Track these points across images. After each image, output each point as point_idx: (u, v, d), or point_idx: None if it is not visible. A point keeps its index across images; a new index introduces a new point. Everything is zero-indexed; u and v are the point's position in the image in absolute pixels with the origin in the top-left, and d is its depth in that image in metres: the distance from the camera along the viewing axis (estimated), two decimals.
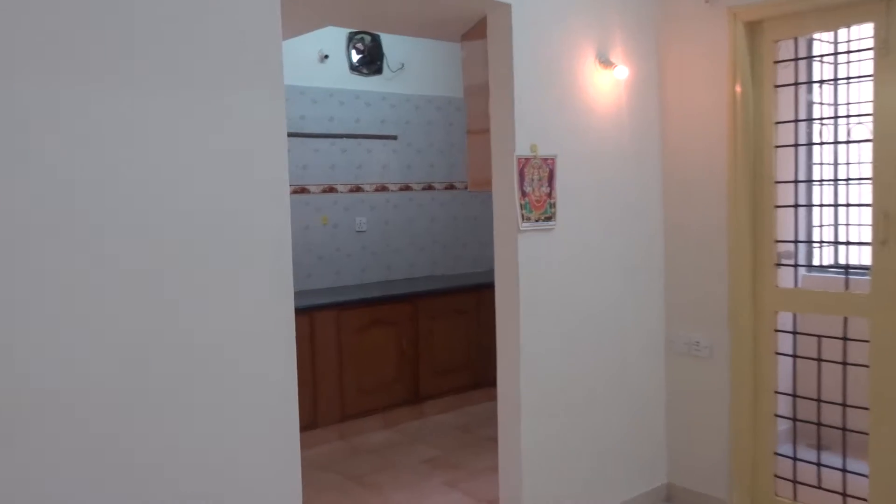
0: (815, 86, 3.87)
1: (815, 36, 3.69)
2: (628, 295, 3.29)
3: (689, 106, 3.27)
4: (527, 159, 2.85)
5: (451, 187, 5.63)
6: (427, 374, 4.80)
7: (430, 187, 5.50)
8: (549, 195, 2.92)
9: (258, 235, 2.11)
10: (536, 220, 2.88)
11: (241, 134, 2.07)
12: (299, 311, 3.69)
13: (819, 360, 3.06)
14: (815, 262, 4.11)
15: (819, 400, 3.09)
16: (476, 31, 3.30)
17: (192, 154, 1.98)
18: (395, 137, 5.28)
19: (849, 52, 3.71)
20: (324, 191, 4.94)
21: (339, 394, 4.37)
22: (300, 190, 4.82)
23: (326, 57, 4.91)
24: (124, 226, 1.87)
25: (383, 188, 5.25)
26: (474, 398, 5.08)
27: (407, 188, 5.38)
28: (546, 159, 2.91)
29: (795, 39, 3.13)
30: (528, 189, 2.84)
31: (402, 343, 4.65)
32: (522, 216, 2.83)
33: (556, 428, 3.02)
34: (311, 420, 4.24)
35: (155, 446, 1.92)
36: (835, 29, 3.40)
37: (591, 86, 3.08)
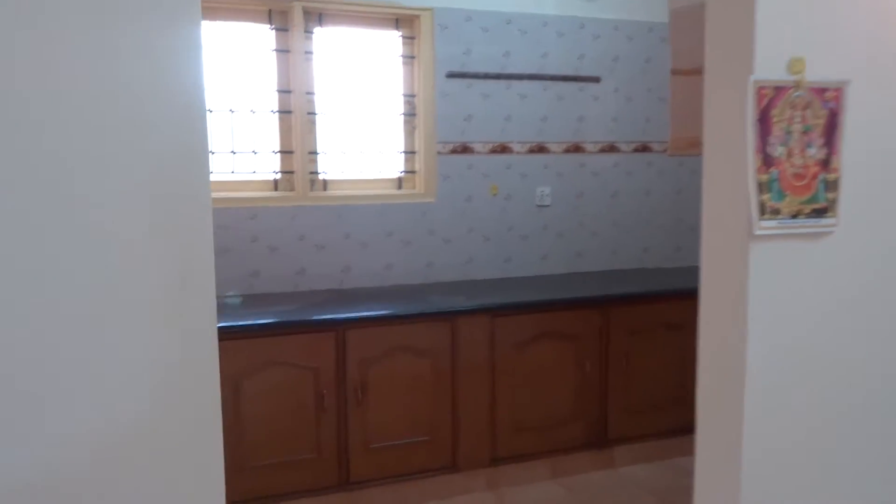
0: None
1: None
2: None
3: None
4: (779, 90, 1.40)
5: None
6: (618, 408, 3.45)
7: (644, 148, 4.04)
8: (826, 164, 1.45)
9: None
10: (793, 216, 1.44)
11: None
12: (439, 316, 2.78)
13: None
14: None
15: None
16: None
17: None
18: (596, 80, 3.88)
19: None
20: (494, 150, 3.72)
21: (489, 428, 3.19)
22: (461, 149, 3.65)
23: None
24: None
25: (577, 148, 3.90)
26: (685, 447, 3.61)
27: (611, 149, 3.97)
28: (823, 90, 1.44)
29: None
30: (776, 151, 1.40)
31: (584, 365, 3.34)
32: (763, 206, 1.40)
33: None
34: (449, 461, 3.13)
35: None
36: None
37: None
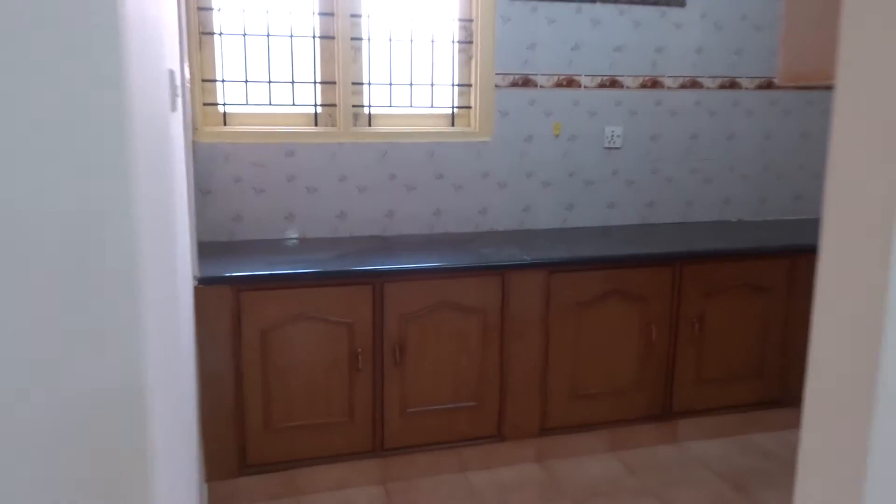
0: None
1: None
2: None
3: None
4: None
5: (767, 86, 3.61)
6: (687, 378, 3.09)
7: (732, 84, 3.55)
8: None
9: None
10: None
11: None
12: (489, 270, 2.60)
13: None
14: None
15: None
16: None
17: None
18: (681, 3, 3.40)
19: None
20: (559, 84, 3.31)
21: (540, 395, 2.89)
22: (522, 82, 3.25)
23: None
24: None
25: (654, 83, 3.44)
26: (766, 422, 3.25)
27: (693, 84, 3.50)
28: None
29: None
30: None
31: (650, 329, 2.98)
32: None
33: None
34: (494, 429, 2.85)
35: None
36: None
37: None
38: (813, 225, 3.62)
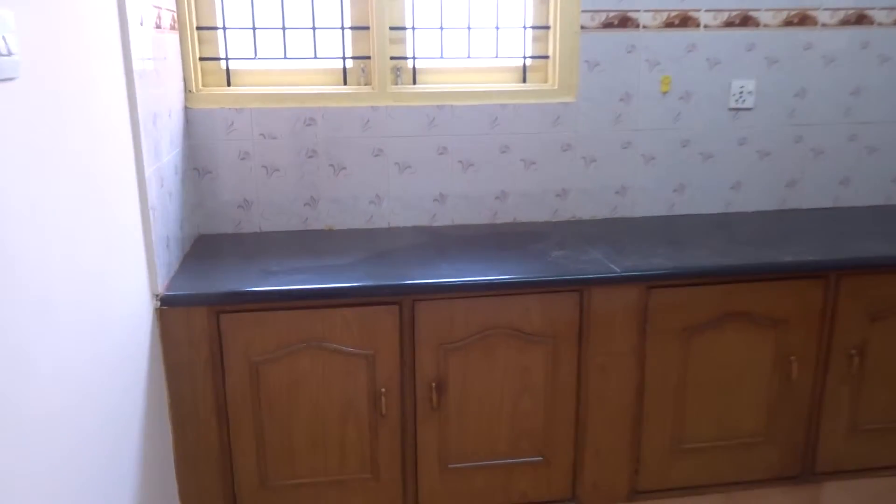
0: None
1: None
2: None
3: None
4: None
5: None
6: (839, 428, 2.26)
7: None
8: None
9: None
10: None
11: None
12: (562, 284, 1.99)
13: None
14: None
15: None
16: None
17: None
18: None
19: None
20: (669, 23, 2.46)
21: (631, 448, 2.16)
22: (618, 21, 2.43)
23: None
24: None
25: (802, 18, 2.52)
26: None
27: (859, 19, 2.55)
28: None
29: None
30: None
31: (788, 363, 2.16)
32: None
33: None
34: (567, 491, 2.15)
35: None
36: None
37: None
38: None
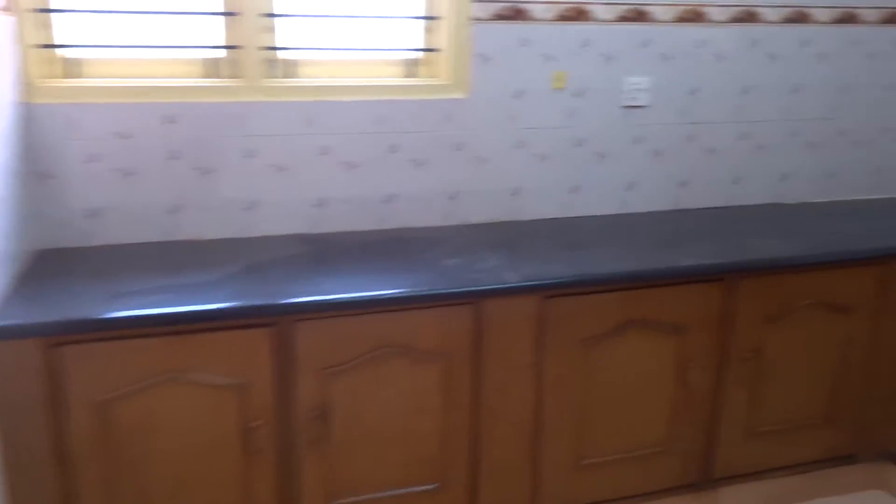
0: None
1: None
2: None
3: None
4: None
5: (847, 19, 2.64)
6: (736, 432, 2.23)
7: (802, 17, 2.58)
8: None
9: None
10: None
11: None
12: (455, 297, 1.79)
13: None
14: None
15: None
16: None
17: None
18: None
19: None
20: (562, 16, 2.34)
21: (531, 465, 2.03)
22: (511, 13, 2.29)
23: None
24: None
25: (695, 15, 2.47)
26: (835, 484, 2.40)
27: (749, 17, 2.53)
28: None
29: None
30: None
31: (687, 370, 2.10)
32: None
33: None
34: None
35: None
36: None
37: None
38: (891, 206, 2.71)
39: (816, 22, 2.59)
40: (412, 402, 1.88)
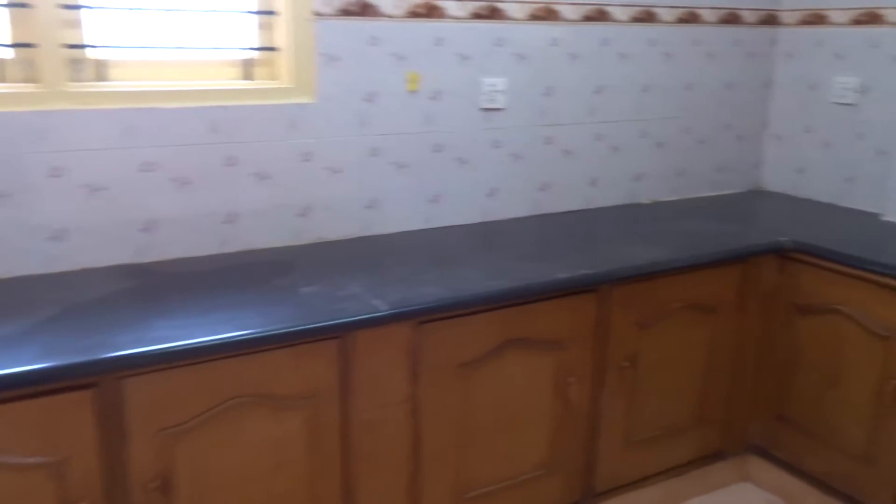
0: None
1: None
2: None
3: None
4: None
5: (689, 19, 2.67)
6: (614, 443, 2.16)
7: (649, 17, 2.57)
8: None
9: None
10: None
11: None
12: (319, 334, 1.60)
13: None
14: None
15: None
16: None
17: None
18: None
19: None
20: (414, 12, 2.16)
21: (407, 484, 1.84)
22: (358, 8, 2.08)
23: None
24: None
25: (547, 13, 2.38)
26: (707, 481, 2.41)
27: (601, 15, 2.48)
28: None
29: None
30: None
31: (566, 383, 2.00)
32: None
33: None
34: None
35: None
36: None
37: None
38: (736, 201, 2.78)
39: (662, 21, 2.59)
40: (273, 458, 1.62)
